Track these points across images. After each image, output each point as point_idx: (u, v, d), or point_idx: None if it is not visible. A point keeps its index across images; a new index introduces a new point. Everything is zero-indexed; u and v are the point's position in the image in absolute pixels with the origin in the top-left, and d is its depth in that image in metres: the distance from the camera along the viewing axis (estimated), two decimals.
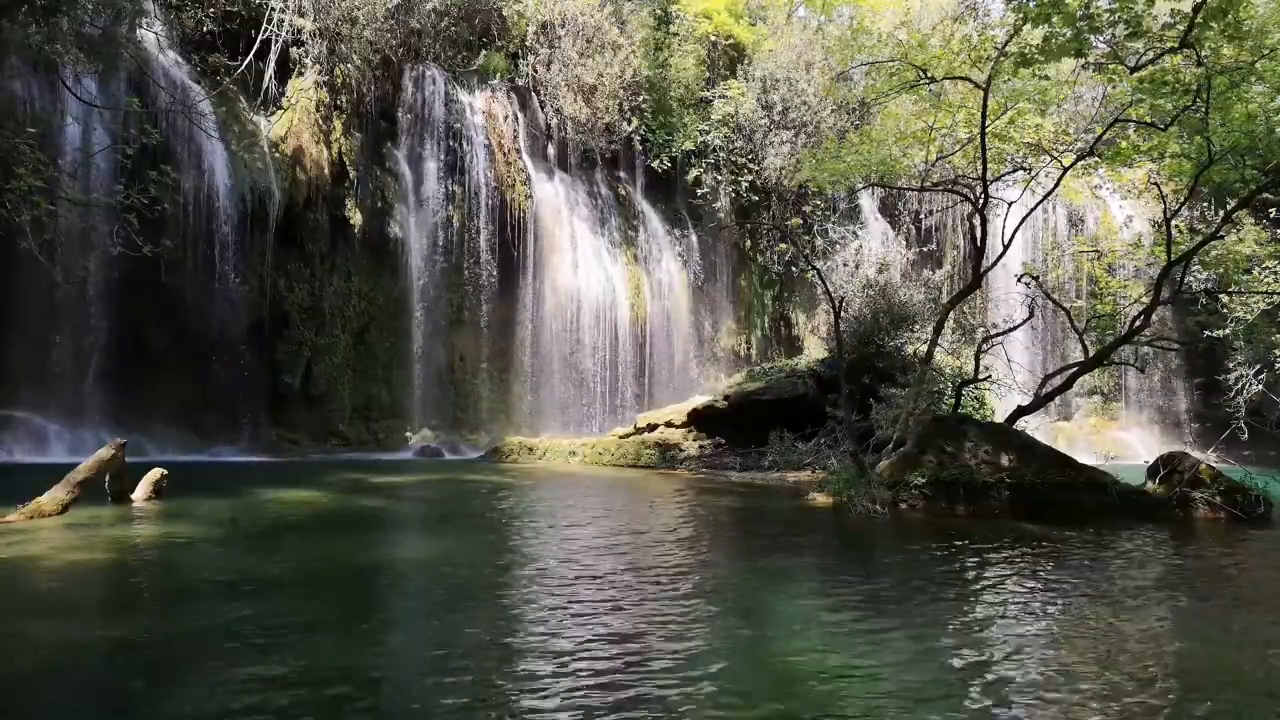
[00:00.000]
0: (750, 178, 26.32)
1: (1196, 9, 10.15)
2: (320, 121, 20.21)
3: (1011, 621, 5.18)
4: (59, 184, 13.41)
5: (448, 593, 5.80)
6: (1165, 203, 14.11)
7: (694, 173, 26.17)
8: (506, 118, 23.48)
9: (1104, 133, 12.54)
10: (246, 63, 19.09)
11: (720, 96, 26.25)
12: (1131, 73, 11.32)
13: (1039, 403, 12.70)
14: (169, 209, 14.65)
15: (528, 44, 24.33)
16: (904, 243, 26.83)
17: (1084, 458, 13.01)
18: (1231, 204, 12.41)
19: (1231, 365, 21.70)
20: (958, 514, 9.90)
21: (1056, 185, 13.63)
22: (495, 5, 23.88)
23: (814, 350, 24.72)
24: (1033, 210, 14.70)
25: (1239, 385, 21.37)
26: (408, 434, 20.56)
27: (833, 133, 24.64)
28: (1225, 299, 18.66)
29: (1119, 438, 25.97)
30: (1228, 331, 19.86)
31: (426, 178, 21.98)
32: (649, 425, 18.94)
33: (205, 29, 18.81)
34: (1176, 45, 10.58)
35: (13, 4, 12.51)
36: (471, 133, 22.47)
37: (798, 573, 6.75)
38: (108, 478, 8.78)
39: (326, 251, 20.28)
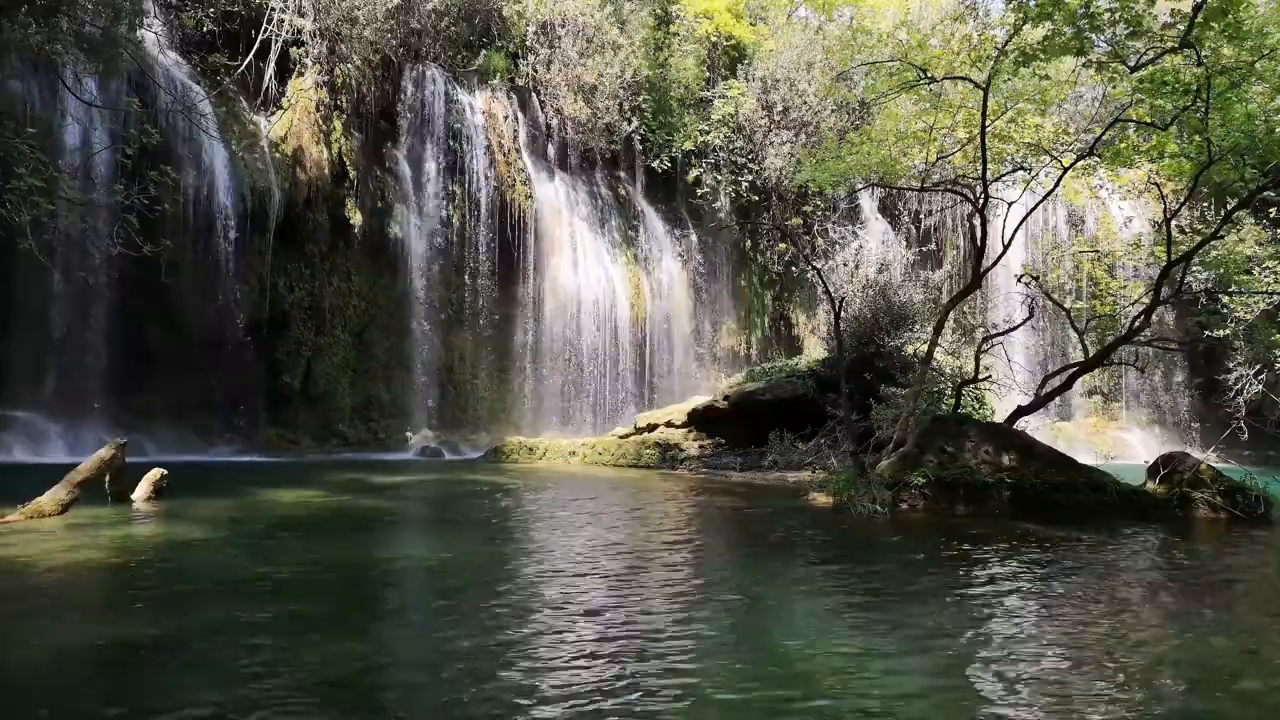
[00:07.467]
0: (750, 178, 26.34)
1: (1196, 9, 10.15)
2: (320, 121, 20.22)
3: (1011, 620, 5.18)
4: (59, 184, 13.40)
5: (449, 594, 5.80)
6: (1165, 203, 14.13)
7: (694, 173, 26.19)
8: (506, 118, 23.48)
9: (1104, 133, 12.52)
10: (246, 63, 19.11)
11: (720, 96, 26.26)
12: (1131, 73, 11.32)
13: (1039, 403, 12.69)
14: (169, 209, 14.67)
15: (528, 44, 24.35)
16: (904, 243, 26.83)
17: (1084, 458, 12.99)
18: (1231, 204, 12.41)
19: (1231, 365, 21.72)
20: (958, 514, 9.90)
21: (1056, 185, 13.62)
22: (495, 5, 23.89)
23: (814, 350, 24.72)
24: (1033, 210, 14.69)
25: (1239, 385, 21.38)
26: (408, 434, 20.56)
27: (833, 133, 24.62)
28: (1225, 299, 18.68)
29: (1119, 438, 25.97)
30: (1228, 332, 19.87)
31: (426, 178, 21.99)
32: (649, 425, 18.94)
33: (205, 29, 18.80)
34: (1176, 45, 10.58)
35: (13, 4, 12.51)
36: (471, 133, 22.48)
37: (798, 572, 6.75)
38: (108, 478, 8.78)
39: (326, 251, 20.29)
